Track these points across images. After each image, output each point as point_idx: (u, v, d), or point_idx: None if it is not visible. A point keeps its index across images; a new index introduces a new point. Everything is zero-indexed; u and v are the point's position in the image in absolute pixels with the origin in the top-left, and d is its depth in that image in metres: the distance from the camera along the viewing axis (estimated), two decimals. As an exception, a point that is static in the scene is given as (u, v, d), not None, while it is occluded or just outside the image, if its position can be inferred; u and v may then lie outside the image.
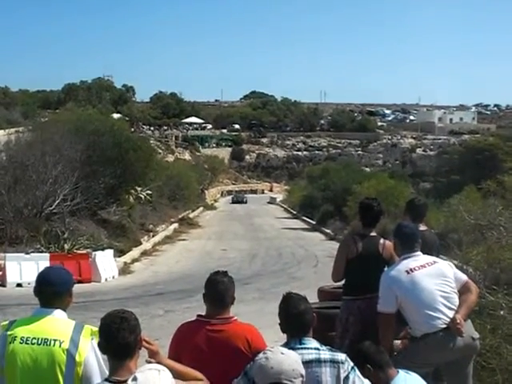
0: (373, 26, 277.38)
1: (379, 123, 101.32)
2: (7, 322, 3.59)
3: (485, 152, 65.23)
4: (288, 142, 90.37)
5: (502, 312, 6.40)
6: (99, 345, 3.25)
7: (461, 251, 8.31)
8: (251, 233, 34.67)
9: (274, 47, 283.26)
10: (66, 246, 19.41)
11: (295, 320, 3.68)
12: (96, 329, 3.50)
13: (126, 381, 2.98)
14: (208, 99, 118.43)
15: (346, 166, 49.75)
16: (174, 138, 75.40)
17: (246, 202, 64.02)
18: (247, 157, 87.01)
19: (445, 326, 4.85)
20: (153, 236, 28.30)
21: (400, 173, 63.33)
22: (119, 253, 21.65)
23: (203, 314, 4.07)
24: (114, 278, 18.97)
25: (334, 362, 3.59)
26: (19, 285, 16.52)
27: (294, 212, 49.10)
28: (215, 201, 63.35)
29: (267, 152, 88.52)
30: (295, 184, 63.88)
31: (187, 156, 71.35)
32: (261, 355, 3.23)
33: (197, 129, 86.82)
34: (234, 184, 79.07)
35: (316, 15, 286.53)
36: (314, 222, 38.87)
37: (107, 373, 3.32)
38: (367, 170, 61.01)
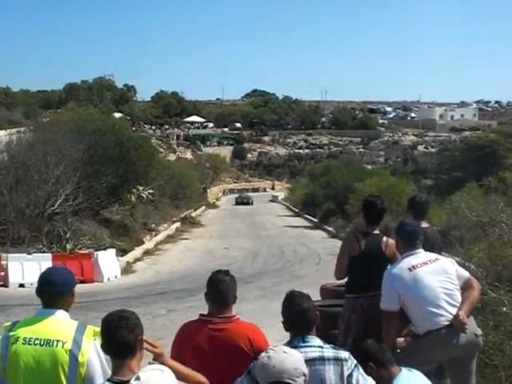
0: (373, 24, 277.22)
1: (380, 121, 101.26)
2: (10, 323, 3.59)
3: (486, 148, 65.26)
4: (289, 140, 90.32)
5: (504, 309, 6.40)
6: (101, 345, 3.26)
7: (463, 248, 8.31)
8: (253, 231, 34.68)
9: (275, 45, 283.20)
10: (68, 246, 19.42)
11: (298, 318, 3.69)
12: (98, 329, 3.50)
13: (128, 381, 2.98)
14: (209, 98, 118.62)
15: (348, 163, 49.77)
16: (175, 137, 75.39)
17: (252, 204, 59.32)
18: (249, 155, 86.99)
19: (448, 323, 4.85)
20: (155, 235, 28.31)
21: (401, 170, 63.29)
22: (121, 252, 21.67)
23: (205, 313, 4.07)
24: (116, 277, 18.99)
25: (338, 360, 3.59)
26: (21, 285, 16.52)
27: (296, 210, 49.11)
28: (217, 199, 63.38)
29: (269, 150, 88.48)
30: (297, 182, 63.86)
31: (189, 155, 71.34)
32: (263, 354, 3.23)
33: (198, 128, 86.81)
34: (235, 182, 79.08)
35: (317, 13, 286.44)
36: (316, 220, 38.87)
37: (110, 373, 3.32)
38: (369, 167, 60.97)
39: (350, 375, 3.57)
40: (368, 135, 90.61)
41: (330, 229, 33.24)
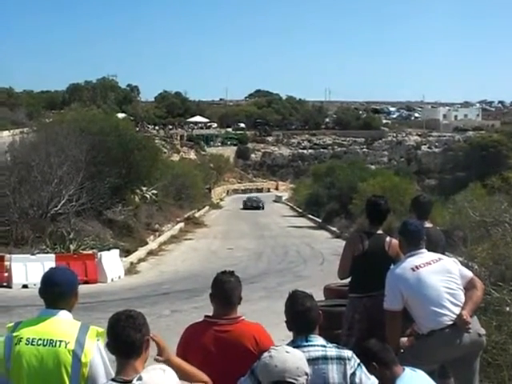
0: (377, 24, 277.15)
1: (384, 121, 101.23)
2: (13, 324, 3.59)
3: (489, 148, 65.18)
4: (293, 141, 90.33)
5: (507, 308, 6.40)
6: (107, 344, 3.26)
7: (466, 248, 8.31)
8: (257, 231, 34.69)
9: (279, 46, 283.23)
10: (72, 247, 19.44)
11: (301, 317, 3.69)
12: (102, 330, 3.52)
13: (132, 380, 2.99)
14: (213, 98, 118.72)
15: (352, 163, 49.75)
16: (179, 138, 75.40)
17: (262, 208, 54.20)
18: (252, 155, 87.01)
19: (451, 322, 4.86)
20: (159, 236, 28.32)
21: (405, 170, 63.19)
22: (125, 253, 21.67)
23: (210, 314, 4.06)
24: (120, 278, 19.00)
25: (341, 359, 3.60)
26: (25, 286, 16.54)
27: (300, 210, 49.12)
28: (221, 200, 63.34)
29: (272, 150, 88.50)
30: (301, 182, 63.80)
31: (192, 155, 71.37)
32: (265, 354, 3.24)
33: (202, 128, 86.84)
34: (239, 183, 79.07)
35: (320, 14, 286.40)
36: (319, 220, 38.87)
37: (113, 374, 3.33)
38: (372, 167, 60.91)
39: (353, 374, 3.58)
40: (372, 135, 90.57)
41: (334, 229, 33.24)
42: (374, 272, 5.65)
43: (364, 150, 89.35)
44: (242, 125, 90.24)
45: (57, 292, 3.57)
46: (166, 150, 56.05)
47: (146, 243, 25.43)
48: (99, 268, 18.15)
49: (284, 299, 3.91)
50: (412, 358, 4.72)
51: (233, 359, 3.80)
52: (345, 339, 5.64)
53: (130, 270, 20.39)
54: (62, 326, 3.52)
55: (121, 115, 51.96)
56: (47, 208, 21.53)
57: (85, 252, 19.21)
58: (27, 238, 20.05)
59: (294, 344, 3.58)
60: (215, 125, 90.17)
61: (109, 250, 19.83)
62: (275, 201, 64.66)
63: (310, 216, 42.61)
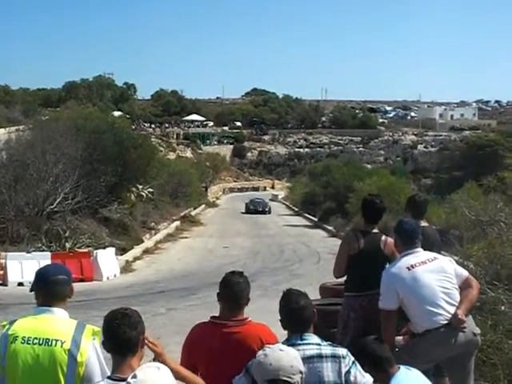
0: (373, 23, 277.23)
1: (380, 120, 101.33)
2: (8, 322, 3.59)
3: (486, 148, 65.32)
4: (289, 139, 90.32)
5: (502, 307, 6.42)
6: (103, 342, 3.26)
7: (462, 247, 8.33)
8: (253, 230, 34.68)
9: (275, 44, 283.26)
10: (68, 245, 19.42)
11: (296, 316, 3.70)
12: (98, 328, 3.51)
13: (127, 378, 2.99)
14: (209, 96, 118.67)
15: (348, 162, 49.77)
16: (175, 136, 75.39)
17: (269, 212, 47.71)
18: (249, 154, 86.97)
19: (446, 322, 4.86)
20: (154, 234, 28.30)
21: (401, 169, 63.28)
22: (121, 251, 21.66)
23: (216, 314, 4.03)
24: (115, 276, 18.97)
25: (336, 357, 3.61)
26: (20, 284, 16.50)
27: (296, 209, 49.14)
28: (217, 198, 63.30)
29: (269, 149, 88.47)
30: (297, 181, 63.81)
31: (189, 154, 71.33)
32: (260, 352, 3.25)
33: (198, 126, 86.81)
34: (235, 181, 79.05)
35: (317, 13, 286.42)
36: (315, 219, 38.88)
37: (108, 373, 3.33)
38: (369, 166, 60.94)
39: (348, 372, 3.59)
40: (368, 134, 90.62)
41: (330, 228, 33.25)
42: (370, 271, 5.66)
43: (360, 149, 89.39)
44: (239, 123, 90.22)
45: (51, 289, 3.56)
46: (162, 149, 56.00)
47: (142, 241, 25.41)
48: (95, 266, 18.13)
49: (280, 298, 3.91)
50: (407, 356, 4.73)
51: (239, 360, 3.76)
52: (340, 338, 5.65)
53: (126, 268, 20.37)
54: (58, 324, 3.51)
55: (117, 113, 51.86)
56: (43, 206, 21.51)
57: (80, 250, 19.19)
58: (23, 235, 20.02)
59: (289, 342, 3.59)
60: (211, 123, 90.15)
61: (104, 248, 19.81)
62: (271, 200, 64.59)
63: (306, 215, 42.63)
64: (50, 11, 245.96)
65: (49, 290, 3.57)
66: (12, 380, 3.43)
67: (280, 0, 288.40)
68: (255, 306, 4.11)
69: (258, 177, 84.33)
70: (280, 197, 63.66)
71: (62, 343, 3.43)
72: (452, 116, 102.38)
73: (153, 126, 77.29)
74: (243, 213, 47.42)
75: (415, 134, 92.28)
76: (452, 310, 4.89)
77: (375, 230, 5.94)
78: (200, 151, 75.19)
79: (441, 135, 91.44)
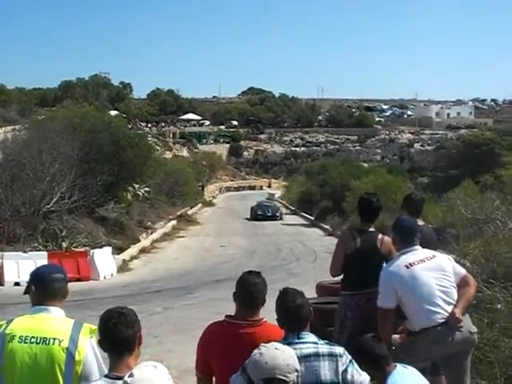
0: (369, 21, 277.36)
1: (377, 118, 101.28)
2: (5, 321, 3.59)
3: (482, 146, 65.40)
4: (286, 138, 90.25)
5: (499, 306, 6.43)
6: (99, 341, 3.26)
7: (458, 245, 8.34)
8: (250, 229, 34.68)
9: (272, 43, 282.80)
10: (64, 244, 19.41)
11: (292, 314, 3.69)
12: (95, 327, 3.52)
13: (124, 377, 2.99)
14: (206, 95, 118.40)
15: (344, 161, 49.76)
16: (171, 135, 75.32)
17: (280, 218, 40.44)
18: (245, 153, 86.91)
19: (443, 320, 4.87)
20: (151, 233, 28.30)
21: (398, 168, 63.31)
22: (117, 250, 21.65)
23: (232, 314, 4.01)
24: (112, 275, 18.97)
25: (332, 356, 3.61)
26: (17, 284, 16.48)
27: (293, 208, 49.13)
28: (214, 197, 63.25)
29: (265, 148, 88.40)
30: (293, 180, 63.76)
31: (185, 153, 71.28)
32: (255, 351, 3.25)
33: (194, 125, 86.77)
34: (232, 180, 79.00)
35: (313, 11, 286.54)
36: (312, 218, 38.89)
37: (106, 371, 3.33)
38: (365, 165, 60.95)
39: (345, 371, 3.59)
40: (364, 133, 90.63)
41: (327, 227, 33.25)
42: (366, 269, 5.67)
43: (357, 147, 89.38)
44: (235, 122, 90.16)
45: (48, 288, 3.57)
46: (158, 148, 55.92)
47: (139, 241, 25.40)
48: (91, 265, 18.13)
49: (276, 297, 3.91)
50: (404, 354, 4.73)
51: None
52: (337, 336, 5.65)
53: (123, 267, 20.37)
54: (56, 323, 3.51)
55: (113, 112, 51.90)
56: (39, 205, 21.48)
57: (77, 249, 19.19)
58: (19, 235, 20.00)
59: (286, 341, 3.59)
60: (208, 122, 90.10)
61: (101, 247, 19.81)
62: (268, 198, 64.65)
63: (303, 214, 42.63)
64: (46, 11, 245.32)
65: (45, 289, 3.57)
66: (10, 379, 3.43)
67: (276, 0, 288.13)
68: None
69: (254, 176, 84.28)
70: (276, 196, 63.62)
71: (60, 342, 3.43)
72: (448, 114, 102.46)
73: (149, 125, 77.23)
74: (248, 219, 40.22)
75: (412, 133, 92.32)
76: (449, 308, 4.90)
77: (372, 229, 5.95)
78: (196, 150, 75.14)
79: (437, 134, 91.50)
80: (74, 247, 19.44)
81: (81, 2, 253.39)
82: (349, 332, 5.62)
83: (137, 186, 29.39)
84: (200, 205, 48.32)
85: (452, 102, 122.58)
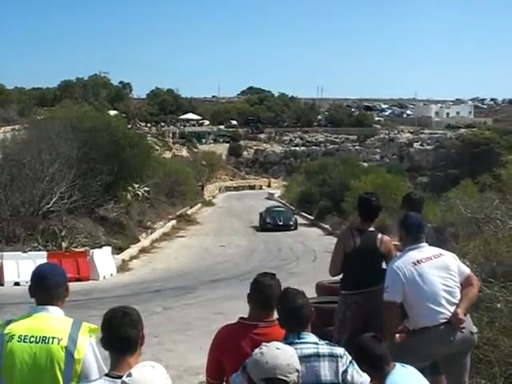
0: (369, 21, 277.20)
1: (376, 118, 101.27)
2: (4, 321, 3.59)
3: (481, 146, 65.42)
4: (285, 138, 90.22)
5: (498, 305, 6.42)
6: (102, 340, 3.26)
7: (457, 244, 8.33)
8: (249, 229, 34.66)
9: (271, 43, 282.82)
10: (64, 244, 19.42)
11: (293, 314, 3.69)
12: (94, 326, 3.53)
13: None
14: (205, 95, 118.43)
15: (344, 161, 49.80)
16: (171, 135, 75.30)
17: (295, 228, 33.47)
18: (245, 153, 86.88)
19: (445, 320, 4.87)
20: (151, 233, 28.31)
21: (398, 167, 63.30)
22: (117, 250, 21.67)
23: (245, 316, 4.01)
24: (112, 275, 18.98)
25: (333, 356, 3.60)
26: (17, 283, 16.51)
27: (292, 207, 49.12)
28: (213, 197, 63.23)
29: (265, 148, 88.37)
30: (293, 179, 63.76)
31: (185, 152, 71.27)
32: (256, 350, 3.24)
33: (194, 125, 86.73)
34: (231, 180, 78.98)
35: (312, 10, 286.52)
36: (312, 218, 38.89)
37: (106, 370, 3.34)
38: (365, 164, 60.94)
39: (345, 371, 3.58)
40: (364, 133, 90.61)
41: (326, 226, 33.25)
42: (366, 269, 5.67)
43: (356, 147, 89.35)
44: (234, 122, 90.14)
45: (47, 287, 3.57)
46: (158, 148, 55.89)
47: (138, 240, 25.41)
48: (91, 265, 18.13)
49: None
50: (404, 354, 4.72)
51: None
52: (336, 336, 5.65)
53: (122, 267, 20.37)
54: (54, 322, 3.51)
55: (113, 112, 51.89)
56: (39, 205, 21.49)
57: (77, 249, 19.20)
58: (19, 235, 20.00)
59: (286, 341, 3.58)
60: (207, 122, 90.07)
61: (101, 247, 19.82)
62: (268, 198, 64.61)
63: (303, 213, 42.64)
64: (46, 11, 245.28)
65: (45, 288, 3.57)
66: (9, 379, 3.43)
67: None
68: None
69: (254, 175, 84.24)
70: (276, 195, 63.61)
71: (59, 341, 3.43)
72: (448, 114, 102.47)
73: (149, 124, 77.17)
74: (256, 228, 34.14)
75: (411, 132, 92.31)
76: (452, 308, 4.90)
77: (371, 228, 5.94)
78: (196, 150, 75.13)
79: (437, 133, 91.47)
80: (74, 247, 19.45)
81: (80, 1, 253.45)
82: (348, 331, 5.62)
83: (136, 185, 29.39)
84: (199, 204, 48.31)
85: (451, 101, 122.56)
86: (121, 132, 27.74)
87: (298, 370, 3.16)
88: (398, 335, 5.17)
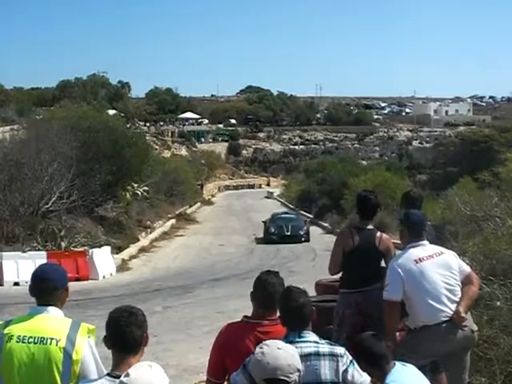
0: (367, 19, 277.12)
1: (375, 116, 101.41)
2: (3, 322, 3.59)
3: (480, 143, 65.51)
4: (284, 137, 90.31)
5: (498, 303, 6.41)
6: (106, 339, 3.26)
7: (457, 242, 8.33)
8: (249, 228, 34.64)
9: (270, 41, 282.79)
10: (63, 244, 19.41)
11: (295, 313, 3.68)
12: (93, 327, 3.54)
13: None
14: (204, 94, 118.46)
15: (343, 159, 49.83)
16: (170, 134, 75.29)
17: (307, 239, 27.43)
18: (244, 151, 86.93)
19: (446, 318, 4.87)
20: (150, 232, 28.31)
21: (397, 165, 63.37)
22: (117, 250, 21.66)
23: (249, 315, 4.01)
24: (111, 275, 18.98)
25: (333, 356, 3.60)
26: (16, 283, 16.51)
27: (292, 206, 49.13)
28: (212, 196, 63.22)
29: (264, 146, 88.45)
30: (292, 178, 63.84)
31: (184, 151, 71.27)
32: (257, 350, 3.22)
33: (193, 124, 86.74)
34: (231, 179, 78.98)
35: (310, 9, 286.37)
36: (311, 216, 38.92)
37: (104, 371, 3.34)
38: (364, 163, 60.97)
39: (346, 371, 3.58)
40: (363, 131, 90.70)
41: (326, 224, 33.29)
42: (365, 267, 5.66)
43: (355, 145, 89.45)
44: (233, 121, 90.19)
45: (47, 287, 3.57)
46: (157, 147, 55.93)
47: (138, 240, 25.41)
48: (91, 265, 18.13)
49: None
50: (405, 352, 4.73)
51: None
52: (336, 335, 5.65)
53: (122, 266, 20.37)
54: (53, 323, 3.51)
55: (111, 112, 51.80)
56: (38, 205, 21.47)
57: (76, 249, 19.21)
58: (18, 235, 19.99)
59: (287, 340, 3.58)
60: (206, 121, 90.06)
61: (100, 246, 19.81)
62: (267, 197, 64.60)
63: (302, 212, 42.64)
64: (44, 11, 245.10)
65: (45, 288, 3.57)
66: (8, 379, 3.43)
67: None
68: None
69: (253, 174, 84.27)
70: (275, 194, 63.61)
71: (58, 341, 3.43)
72: (447, 112, 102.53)
73: (147, 124, 77.15)
74: (259, 240, 28.16)
75: (410, 130, 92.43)
76: (453, 307, 4.90)
77: (370, 227, 5.92)
78: (195, 149, 75.15)
79: (436, 131, 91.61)
80: (73, 247, 19.45)
81: (78, 1, 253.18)
82: (348, 330, 5.61)
83: (135, 185, 29.38)
84: (199, 203, 48.32)
85: (450, 99, 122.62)
86: (120, 132, 27.74)
87: (299, 370, 3.16)
88: (398, 334, 5.17)
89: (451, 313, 4.88)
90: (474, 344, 5.19)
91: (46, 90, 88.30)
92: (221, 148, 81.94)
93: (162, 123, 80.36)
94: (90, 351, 3.46)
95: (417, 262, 5.00)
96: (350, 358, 3.65)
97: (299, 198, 46.79)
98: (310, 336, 3.67)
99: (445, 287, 4.94)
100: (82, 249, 19.20)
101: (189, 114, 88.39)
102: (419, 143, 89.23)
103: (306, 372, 3.46)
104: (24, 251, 17.88)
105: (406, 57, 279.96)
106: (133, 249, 23.48)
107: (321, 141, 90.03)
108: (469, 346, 5.10)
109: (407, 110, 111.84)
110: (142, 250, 24.31)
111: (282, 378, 3.08)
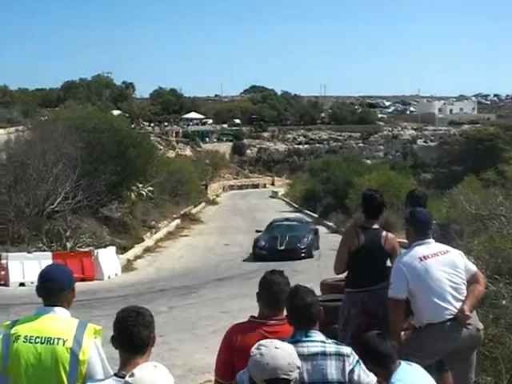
0: (372, 18, 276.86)
1: (379, 115, 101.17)
2: (10, 322, 3.60)
3: (485, 142, 65.37)
4: (289, 136, 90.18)
5: (504, 302, 6.41)
6: (113, 339, 3.27)
7: (462, 241, 8.32)
8: (254, 227, 34.58)
9: (274, 41, 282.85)
10: (69, 245, 19.44)
11: (302, 312, 3.68)
12: (99, 327, 3.55)
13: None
14: (208, 94, 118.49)
15: (347, 158, 49.77)
16: (174, 134, 75.31)
17: (308, 254, 21.76)
18: (248, 151, 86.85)
19: (451, 316, 4.87)
20: (155, 232, 28.32)
21: (401, 164, 63.27)
22: (122, 250, 21.69)
23: (255, 315, 4.01)
24: (116, 275, 19.01)
25: (340, 355, 3.60)
26: (22, 284, 16.54)
27: (296, 206, 49.09)
28: (217, 196, 63.21)
29: (268, 146, 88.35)
30: (297, 178, 63.75)
31: (188, 152, 71.28)
32: (255, 351, 3.20)
33: (197, 124, 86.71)
34: (235, 179, 78.95)
35: (314, 8, 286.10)
36: (316, 215, 38.88)
37: (110, 371, 3.34)
38: (368, 162, 60.88)
39: (352, 371, 3.58)
40: (367, 130, 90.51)
41: (331, 224, 33.23)
42: (371, 267, 5.66)
43: (360, 144, 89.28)
44: (238, 121, 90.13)
45: (54, 288, 3.58)
46: (161, 147, 55.94)
47: (143, 240, 25.42)
48: (96, 265, 18.16)
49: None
50: (409, 351, 4.72)
51: None
52: (341, 334, 5.64)
53: (127, 266, 20.40)
54: (60, 323, 3.52)
55: (116, 112, 51.86)
56: (43, 206, 21.51)
57: (81, 249, 19.23)
58: (24, 236, 20.04)
59: (294, 339, 3.58)
60: (210, 121, 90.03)
61: (105, 247, 19.84)
62: (271, 196, 64.57)
63: (307, 211, 42.60)
64: (48, 11, 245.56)
65: (51, 289, 3.58)
66: (15, 379, 3.45)
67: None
68: (257, 303, 4.12)
69: (257, 174, 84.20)
70: (280, 193, 63.59)
71: (64, 342, 3.44)
72: (451, 110, 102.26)
73: (152, 124, 77.19)
74: (246, 258, 22.58)
75: (414, 129, 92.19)
76: (458, 305, 4.89)
77: (375, 226, 5.92)
78: (199, 149, 75.14)
79: (440, 130, 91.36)
80: (79, 247, 19.47)
81: (83, 2, 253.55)
82: (353, 329, 5.61)
83: (140, 185, 29.40)
84: (203, 203, 48.32)
85: (455, 97, 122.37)
86: (124, 132, 27.76)
87: (298, 367, 3.15)
88: (403, 333, 5.16)
89: (456, 311, 4.88)
90: (479, 343, 5.18)
91: (50, 91, 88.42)
92: (225, 148, 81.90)
93: (166, 123, 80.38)
94: (96, 351, 3.47)
95: (421, 260, 5.00)
96: (357, 357, 3.64)
97: (304, 197, 46.74)
98: (317, 335, 3.66)
99: (450, 285, 4.93)
100: (87, 249, 19.23)
101: (193, 114, 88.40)
102: (424, 142, 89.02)
103: (313, 371, 3.46)
104: (29, 252, 17.91)
105: (410, 55, 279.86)
106: (138, 249, 23.51)
107: (325, 140, 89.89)
108: (475, 345, 5.09)
109: (411, 109, 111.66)
110: (147, 250, 24.33)
111: (283, 377, 3.07)
